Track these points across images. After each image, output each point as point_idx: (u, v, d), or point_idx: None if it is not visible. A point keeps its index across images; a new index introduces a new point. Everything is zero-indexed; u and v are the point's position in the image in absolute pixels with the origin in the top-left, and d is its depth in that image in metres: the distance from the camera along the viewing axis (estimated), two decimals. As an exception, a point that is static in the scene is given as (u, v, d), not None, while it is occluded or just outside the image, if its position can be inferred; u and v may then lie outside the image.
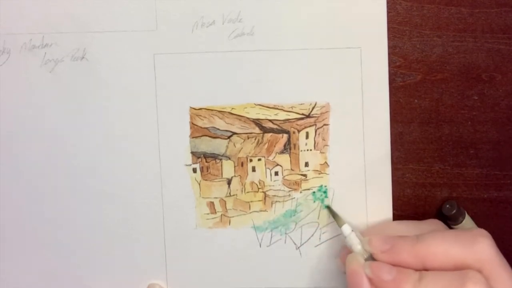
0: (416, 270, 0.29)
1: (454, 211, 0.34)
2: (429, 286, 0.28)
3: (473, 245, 0.29)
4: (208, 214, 0.34)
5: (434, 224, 0.32)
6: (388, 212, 0.34)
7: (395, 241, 0.29)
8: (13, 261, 0.34)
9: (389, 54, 0.34)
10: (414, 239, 0.29)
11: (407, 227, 0.32)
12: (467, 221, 0.34)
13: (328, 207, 0.34)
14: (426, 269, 0.29)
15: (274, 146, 0.34)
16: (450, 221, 0.34)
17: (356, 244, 0.31)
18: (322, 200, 0.34)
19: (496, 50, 0.34)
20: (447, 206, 0.34)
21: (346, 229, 0.32)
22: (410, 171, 0.35)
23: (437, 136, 0.34)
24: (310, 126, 0.34)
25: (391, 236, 0.30)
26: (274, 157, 0.34)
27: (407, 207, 0.34)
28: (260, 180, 0.34)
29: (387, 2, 0.34)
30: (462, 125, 0.34)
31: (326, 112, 0.34)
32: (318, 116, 0.34)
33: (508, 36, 0.34)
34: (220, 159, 0.34)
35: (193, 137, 0.34)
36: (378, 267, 0.29)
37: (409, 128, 0.34)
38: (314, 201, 0.34)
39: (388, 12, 0.34)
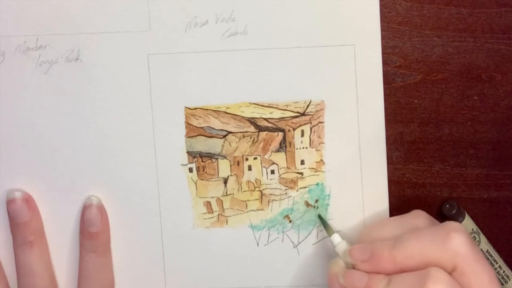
0: (396, 274, 0.32)
1: (454, 211, 0.38)
2: None
3: (446, 242, 0.31)
4: (205, 213, 0.39)
5: (416, 217, 0.35)
6: (385, 208, 0.38)
7: (374, 249, 0.33)
8: (11, 262, 0.38)
9: (389, 54, 0.37)
10: (392, 244, 0.32)
11: (390, 227, 0.35)
12: (467, 221, 0.38)
13: (320, 216, 0.38)
14: (405, 271, 0.32)
15: (270, 145, 0.38)
16: None
17: (343, 253, 0.35)
18: (322, 198, 0.39)
19: (496, 50, 0.37)
20: (447, 206, 0.38)
21: (335, 238, 0.36)
22: (410, 171, 0.39)
23: (437, 136, 0.38)
24: (305, 124, 0.38)
25: (369, 244, 0.33)
26: (270, 156, 0.38)
27: (407, 207, 0.38)
28: (256, 179, 0.38)
29: (387, 2, 0.37)
30: (462, 125, 0.38)
31: (321, 109, 0.38)
32: (313, 114, 0.38)
33: (508, 36, 0.37)
34: (216, 159, 0.38)
35: (188, 137, 0.38)
36: (350, 275, 0.33)
37: (409, 128, 0.38)
38: (313, 201, 0.39)
39: (388, 12, 0.37)
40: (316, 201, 0.39)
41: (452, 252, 0.31)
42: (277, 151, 0.39)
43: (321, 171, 0.38)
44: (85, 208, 0.38)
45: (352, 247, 0.34)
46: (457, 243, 0.31)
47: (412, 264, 0.32)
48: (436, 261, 0.31)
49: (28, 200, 0.37)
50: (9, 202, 0.37)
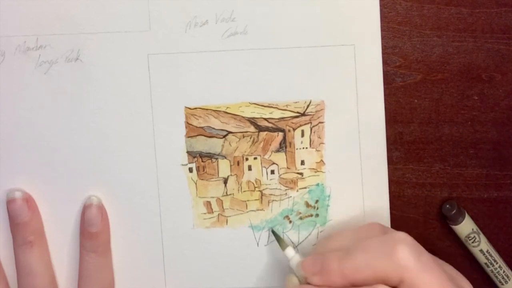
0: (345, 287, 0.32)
1: (454, 211, 0.38)
2: None
3: (392, 255, 0.31)
4: (205, 214, 0.39)
5: (371, 229, 0.35)
6: (385, 208, 0.39)
7: (324, 260, 0.33)
8: (11, 262, 0.39)
9: (389, 54, 0.38)
10: (341, 256, 0.32)
11: (344, 238, 0.35)
12: (467, 221, 0.39)
13: (273, 231, 0.38)
14: (354, 286, 0.32)
15: (270, 145, 0.39)
16: (450, 221, 0.39)
17: (296, 266, 0.35)
18: (322, 199, 0.40)
19: (496, 50, 0.38)
20: (447, 206, 0.38)
21: (289, 252, 0.36)
22: (410, 171, 0.39)
23: (437, 136, 0.39)
24: (305, 124, 0.39)
25: (320, 255, 0.34)
26: (270, 156, 0.39)
27: (407, 207, 0.39)
28: (256, 179, 0.39)
29: (387, 2, 0.38)
30: (462, 125, 0.39)
31: (321, 109, 0.39)
32: (313, 114, 0.39)
33: (508, 36, 0.37)
34: (216, 159, 0.39)
35: (188, 137, 0.39)
36: None
37: (409, 128, 0.39)
38: (313, 201, 0.39)
39: (388, 12, 0.38)
40: (316, 201, 0.39)
41: (398, 266, 0.31)
42: (277, 151, 0.39)
43: (321, 171, 0.39)
44: (85, 208, 0.38)
45: (304, 259, 0.35)
46: (402, 256, 0.31)
47: (360, 277, 0.32)
48: (383, 274, 0.32)
49: (28, 200, 0.38)
50: (9, 202, 0.38)
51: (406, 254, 0.31)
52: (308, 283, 0.34)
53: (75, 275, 0.39)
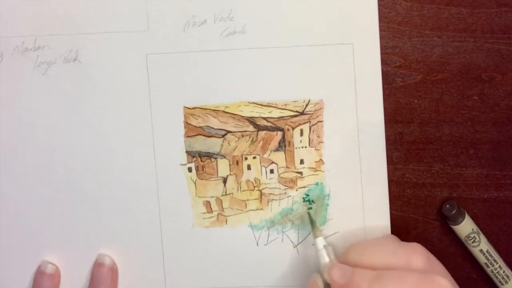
0: None
1: (454, 211, 0.39)
2: None
3: None
4: (204, 213, 0.40)
5: (413, 252, 0.35)
6: (385, 208, 0.39)
7: (353, 276, 0.34)
8: (10, 265, 0.40)
9: (389, 54, 0.39)
10: (373, 278, 0.33)
11: (383, 252, 0.35)
12: (467, 221, 0.39)
13: (308, 214, 0.39)
14: None
15: (269, 144, 0.40)
16: (450, 221, 0.40)
17: (322, 264, 0.37)
18: (311, 201, 0.40)
19: (496, 50, 0.38)
20: (447, 206, 0.39)
21: (319, 242, 0.37)
22: (410, 171, 0.40)
23: (437, 136, 0.40)
24: (305, 123, 0.40)
25: (350, 269, 0.34)
26: (269, 155, 0.40)
27: (407, 207, 0.40)
28: (255, 178, 0.40)
29: (387, 2, 0.38)
30: (462, 125, 0.39)
31: (320, 108, 0.39)
32: (312, 113, 0.39)
33: (508, 36, 0.38)
34: (215, 158, 0.40)
35: (187, 137, 0.40)
36: None
37: (409, 128, 0.40)
38: (306, 201, 0.40)
39: (388, 12, 0.38)
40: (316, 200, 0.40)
41: None
42: (276, 150, 0.40)
43: (321, 170, 0.40)
44: (96, 266, 0.40)
45: (331, 266, 0.35)
46: None
47: None
48: None
49: (55, 276, 0.40)
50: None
51: None
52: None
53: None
